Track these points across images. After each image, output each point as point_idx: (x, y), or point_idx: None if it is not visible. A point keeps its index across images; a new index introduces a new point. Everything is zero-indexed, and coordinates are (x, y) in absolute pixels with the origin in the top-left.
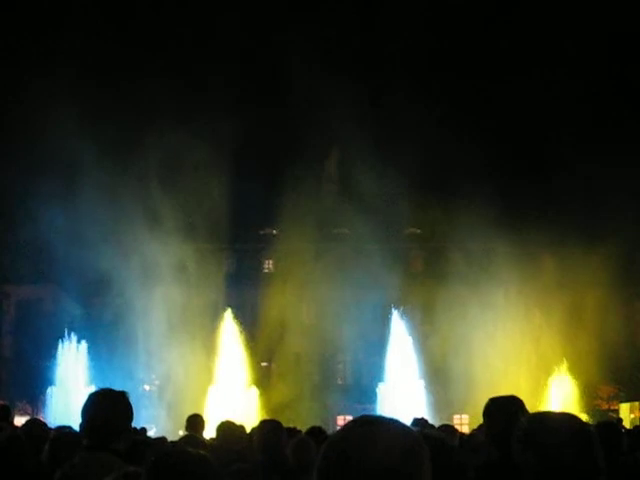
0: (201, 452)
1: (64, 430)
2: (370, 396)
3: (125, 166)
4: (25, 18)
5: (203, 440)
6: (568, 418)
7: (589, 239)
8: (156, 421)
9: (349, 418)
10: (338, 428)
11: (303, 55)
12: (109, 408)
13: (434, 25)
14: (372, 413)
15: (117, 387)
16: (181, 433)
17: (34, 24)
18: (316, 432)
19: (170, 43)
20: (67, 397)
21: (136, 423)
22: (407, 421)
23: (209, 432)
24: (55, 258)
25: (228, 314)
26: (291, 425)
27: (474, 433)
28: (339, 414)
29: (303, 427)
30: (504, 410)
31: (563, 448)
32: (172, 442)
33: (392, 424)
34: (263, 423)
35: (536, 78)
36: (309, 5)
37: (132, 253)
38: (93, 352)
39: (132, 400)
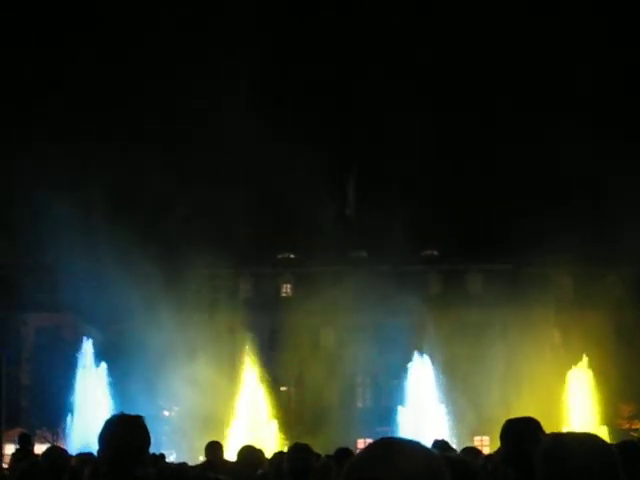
0: (220, 477)
1: (84, 457)
2: (390, 419)
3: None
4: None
5: (223, 465)
6: (591, 439)
7: (607, 259)
8: (176, 446)
9: (369, 441)
10: (358, 451)
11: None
12: (126, 433)
13: None
14: (392, 436)
15: (136, 412)
16: (202, 458)
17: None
18: (343, 454)
19: None
20: (87, 424)
21: (156, 449)
22: (427, 443)
23: (228, 457)
24: (73, 285)
25: (247, 339)
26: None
27: (492, 455)
28: (359, 437)
29: (323, 451)
30: (521, 431)
31: (585, 469)
32: (192, 467)
33: (414, 446)
34: (293, 447)
35: None
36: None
37: (150, 280)
38: (112, 379)
39: (152, 426)
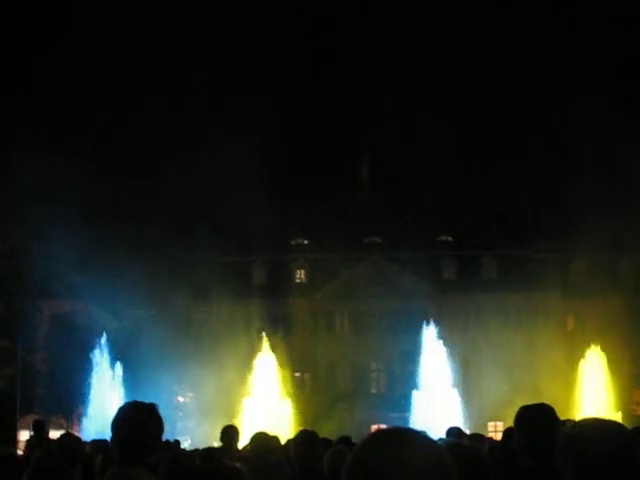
0: (236, 465)
1: (99, 444)
2: (404, 405)
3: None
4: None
5: (238, 451)
6: (611, 425)
7: (620, 244)
8: (190, 433)
9: (383, 427)
10: (362, 440)
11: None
12: (139, 421)
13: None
14: (406, 422)
15: (151, 399)
16: (216, 444)
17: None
18: (344, 442)
19: None
20: (102, 410)
21: (170, 435)
22: (442, 429)
23: (243, 443)
24: (88, 273)
25: (261, 325)
26: (324, 435)
27: (498, 442)
28: (373, 423)
29: (336, 437)
30: (535, 418)
31: (606, 456)
32: (205, 451)
33: (421, 438)
34: (300, 434)
35: None
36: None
37: (164, 267)
38: (126, 364)
39: (166, 412)
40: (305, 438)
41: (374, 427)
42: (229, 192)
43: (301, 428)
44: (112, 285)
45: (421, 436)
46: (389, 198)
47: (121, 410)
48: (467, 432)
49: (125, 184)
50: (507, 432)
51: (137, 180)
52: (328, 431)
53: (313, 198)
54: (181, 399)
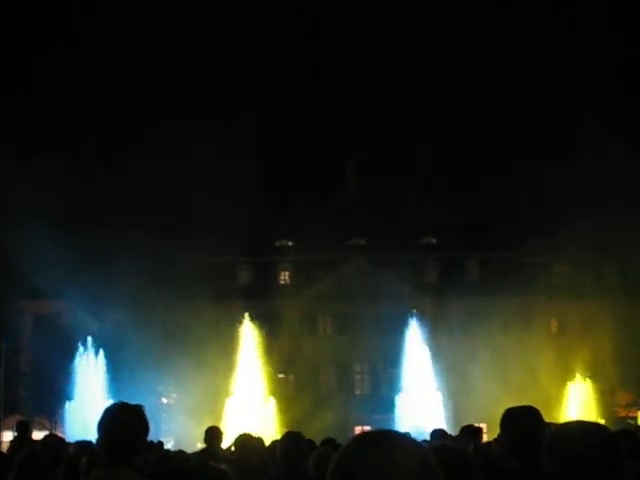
0: (222, 467)
1: (83, 445)
2: (388, 406)
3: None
4: None
5: (222, 453)
6: (595, 428)
7: (604, 247)
8: (174, 434)
9: (367, 429)
10: (345, 443)
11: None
12: (125, 423)
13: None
14: (390, 424)
15: (135, 400)
16: (199, 445)
17: None
18: (329, 443)
19: None
20: (85, 411)
21: (154, 436)
22: (426, 431)
23: (227, 444)
24: (73, 274)
25: (245, 327)
26: (308, 436)
27: (491, 443)
28: (357, 425)
29: (319, 438)
30: (520, 420)
31: (590, 458)
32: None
33: (404, 440)
34: (286, 435)
35: None
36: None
37: (148, 269)
38: (110, 366)
39: (150, 413)
40: (291, 439)
41: (358, 429)
42: (214, 193)
43: (286, 429)
44: (96, 286)
45: (405, 438)
46: (374, 200)
47: (108, 411)
48: (452, 434)
49: (111, 185)
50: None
51: (123, 181)
52: (312, 432)
53: (299, 199)
54: (165, 400)
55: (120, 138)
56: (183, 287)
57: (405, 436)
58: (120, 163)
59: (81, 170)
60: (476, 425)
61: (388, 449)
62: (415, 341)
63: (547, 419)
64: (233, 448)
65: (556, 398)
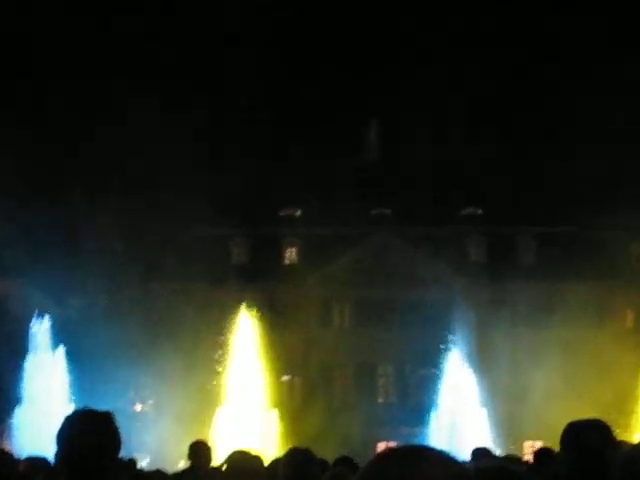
0: None
1: (36, 462)
2: (419, 418)
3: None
4: None
5: (211, 473)
6: None
7: None
8: (150, 449)
9: (392, 445)
10: (369, 461)
11: None
12: (93, 435)
13: None
14: (421, 440)
15: (102, 406)
16: (182, 464)
17: None
18: (344, 462)
19: None
20: (40, 420)
21: (125, 452)
22: (466, 450)
23: (217, 462)
24: (25, 248)
25: (241, 317)
26: (320, 454)
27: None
28: (380, 441)
29: (333, 457)
30: (587, 437)
31: None
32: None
33: (443, 458)
34: (290, 452)
35: None
36: None
37: (121, 244)
38: (72, 363)
39: (121, 423)
40: (297, 458)
41: (381, 445)
42: (204, 151)
43: (291, 445)
44: (59, 264)
45: (443, 456)
46: (403, 161)
47: (69, 420)
48: (498, 453)
49: (82, 152)
50: (541, 453)
51: (94, 148)
52: (324, 449)
53: (309, 161)
54: (139, 407)
55: (89, 101)
56: (164, 268)
57: (443, 453)
58: (88, 127)
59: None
60: (530, 443)
61: (420, 469)
62: (456, 336)
63: (622, 433)
64: (224, 468)
65: (630, 408)
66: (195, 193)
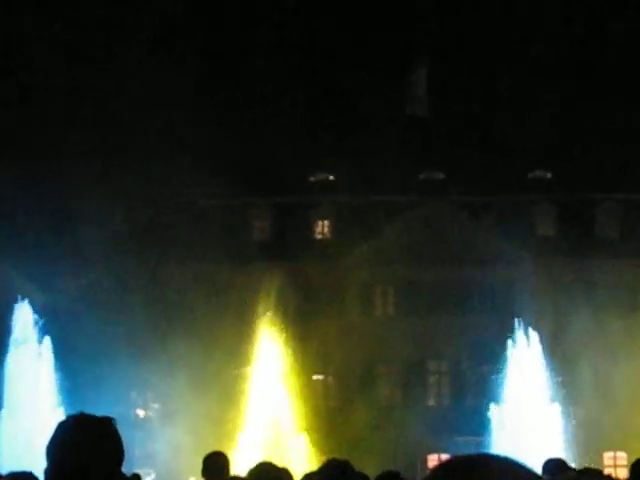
0: None
1: (20, 478)
2: (479, 424)
3: None
4: None
5: None
6: None
7: None
8: (155, 463)
9: (446, 458)
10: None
11: None
12: (88, 445)
13: None
14: (482, 450)
15: (97, 412)
16: None
17: None
18: (389, 478)
19: None
20: (23, 427)
21: (126, 467)
22: (537, 462)
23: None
24: (5, 224)
25: (264, 304)
26: (359, 468)
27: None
28: (431, 451)
29: (375, 471)
30: None
31: None
32: None
33: (515, 468)
34: (327, 465)
35: None
36: None
37: (121, 216)
38: (61, 360)
39: (120, 431)
40: (334, 472)
41: (433, 458)
42: (210, 104)
43: (325, 457)
44: (45, 242)
45: (517, 467)
46: (455, 119)
47: (62, 428)
48: (574, 466)
49: (69, 104)
50: (636, 466)
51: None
52: (365, 463)
53: (345, 117)
54: (142, 412)
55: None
56: (171, 244)
57: (515, 463)
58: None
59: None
60: (611, 454)
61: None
62: (523, 325)
63: None
64: None
65: None
66: (208, 154)
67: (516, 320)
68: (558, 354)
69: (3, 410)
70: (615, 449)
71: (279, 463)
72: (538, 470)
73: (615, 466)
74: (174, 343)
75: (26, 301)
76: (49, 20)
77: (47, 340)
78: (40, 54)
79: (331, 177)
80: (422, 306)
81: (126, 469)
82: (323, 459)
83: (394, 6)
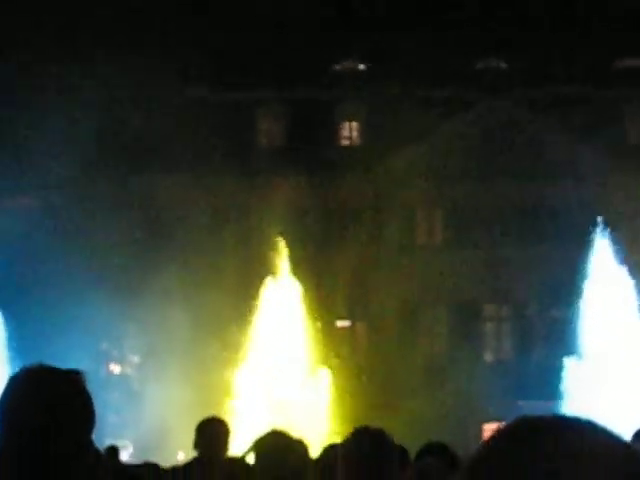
0: None
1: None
2: (548, 385)
3: None
4: None
5: (230, 466)
6: None
7: None
8: (133, 432)
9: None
10: (481, 444)
11: None
12: (50, 402)
13: None
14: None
15: (59, 365)
16: (183, 457)
17: None
18: (436, 452)
19: None
20: None
21: (96, 436)
22: (626, 432)
23: (240, 450)
24: None
25: (275, 226)
26: (396, 440)
27: None
28: (489, 419)
29: (417, 443)
30: None
31: None
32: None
33: (598, 434)
34: (357, 435)
35: None
36: None
37: (97, 110)
38: (10, 302)
39: (89, 392)
40: (364, 443)
41: (488, 426)
42: None
43: (353, 425)
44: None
45: (599, 432)
46: None
47: (16, 382)
48: None
49: None
50: None
51: None
52: (403, 432)
53: None
54: (116, 368)
55: None
56: (164, 151)
57: (599, 428)
58: None
59: None
60: None
61: (570, 453)
62: (603, 256)
63: None
64: (250, 458)
65: None
66: (214, 42)
67: (597, 249)
68: None
69: None
70: None
71: (292, 424)
72: (627, 439)
73: None
74: (159, 277)
75: None
76: None
77: None
78: None
79: (361, 66)
80: (477, 234)
81: (97, 440)
82: (350, 427)
83: None
